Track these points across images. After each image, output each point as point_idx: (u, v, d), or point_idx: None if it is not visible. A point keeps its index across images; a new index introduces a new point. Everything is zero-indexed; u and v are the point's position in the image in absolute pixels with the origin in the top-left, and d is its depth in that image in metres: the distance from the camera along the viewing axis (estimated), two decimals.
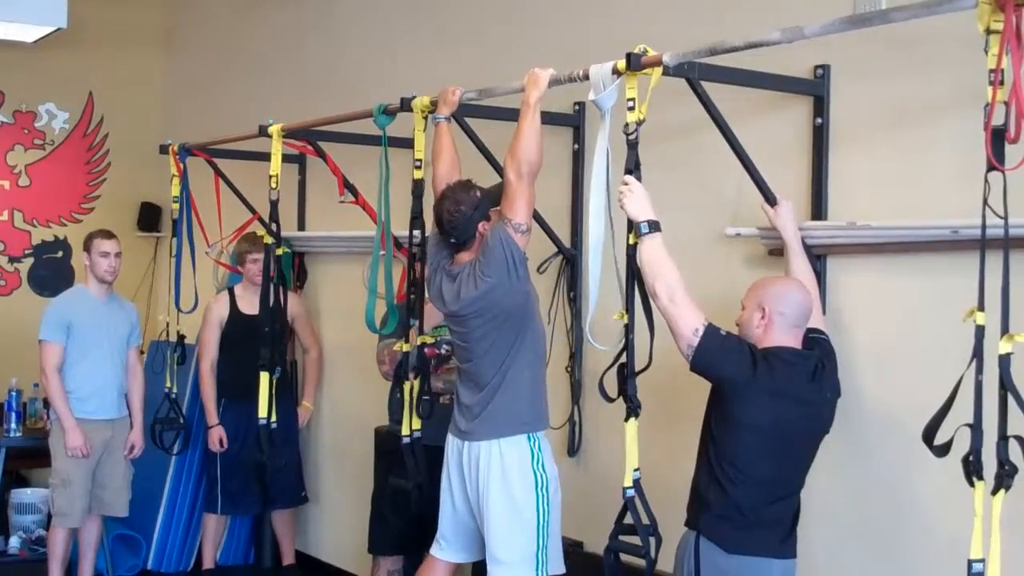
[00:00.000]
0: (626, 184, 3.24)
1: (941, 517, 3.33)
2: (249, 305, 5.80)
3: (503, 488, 3.76)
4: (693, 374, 3.24)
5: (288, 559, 6.24)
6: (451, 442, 3.93)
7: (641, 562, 3.29)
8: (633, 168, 3.24)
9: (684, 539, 3.35)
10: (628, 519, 3.32)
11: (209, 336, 6.01)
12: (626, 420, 3.28)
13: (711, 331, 3.16)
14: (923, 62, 3.37)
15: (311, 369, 6.21)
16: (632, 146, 3.23)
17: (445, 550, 4.06)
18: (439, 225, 3.80)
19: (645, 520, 3.29)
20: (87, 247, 5.63)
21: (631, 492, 3.28)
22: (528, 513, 3.76)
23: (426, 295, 4.06)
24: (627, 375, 3.30)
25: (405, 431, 4.16)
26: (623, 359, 3.32)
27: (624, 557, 3.39)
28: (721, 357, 3.17)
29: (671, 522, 3.40)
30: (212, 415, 5.95)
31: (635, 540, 3.30)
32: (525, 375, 3.78)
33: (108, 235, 5.65)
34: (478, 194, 3.76)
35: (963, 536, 2.51)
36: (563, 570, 3.89)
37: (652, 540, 3.28)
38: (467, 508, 3.91)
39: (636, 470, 3.28)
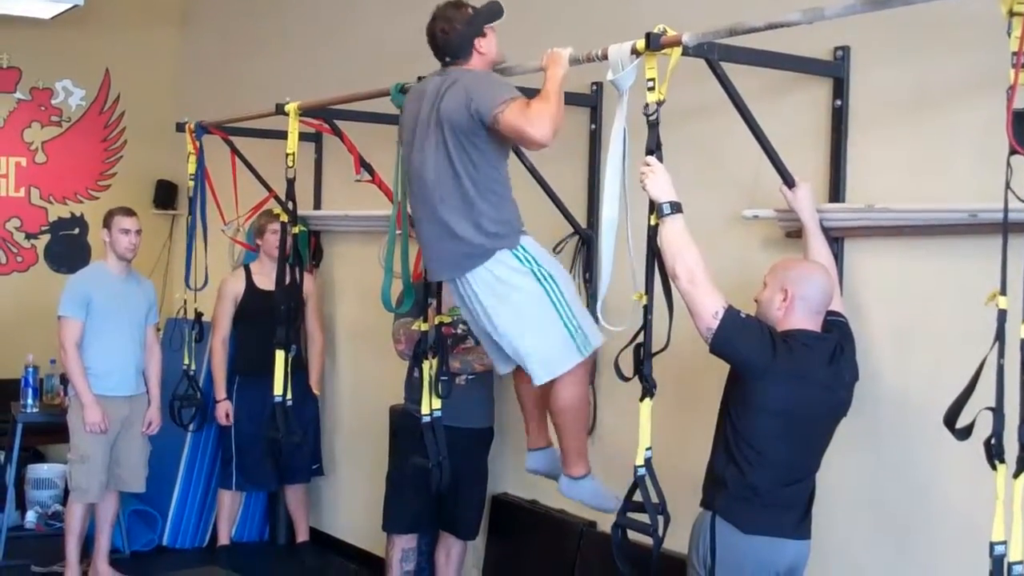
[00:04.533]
0: (648, 165, 3.22)
1: (957, 500, 3.34)
2: (266, 281, 5.82)
3: (507, 300, 3.63)
4: (709, 356, 3.24)
5: (302, 536, 6.28)
6: (452, 288, 3.81)
7: (649, 540, 3.30)
8: (655, 148, 3.23)
9: (699, 519, 3.36)
10: (637, 497, 3.32)
11: (222, 312, 6.05)
12: (641, 400, 3.28)
13: (731, 314, 3.15)
14: (944, 44, 3.36)
15: (315, 356, 6.18)
16: (653, 127, 3.22)
17: (502, 366, 3.96)
18: (432, 44, 3.72)
19: (654, 499, 3.29)
20: (107, 224, 5.64)
21: (642, 471, 3.28)
22: (543, 306, 3.61)
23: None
24: (643, 355, 3.29)
25: (425, 410, 4.17)
26: (640, 339, 3.32)
27: (633, 536, 3.40)
28: (741, 340, 3.16)
29: (684, 502, 3.41)
30: (220, 390, 6.00)
31: (644, 518, 3.31)
32: (492, 193, 3.62)
33: (128, 212, 5.67)
34: (470, 11, 3.70)
35: (980, 519, 2.52)
36: (601, 341, 3.70)
37: (660, 519, 3.28)
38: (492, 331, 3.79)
39: (648, 449, 3.28)
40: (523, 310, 3.62)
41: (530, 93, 3.91)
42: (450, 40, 3.66)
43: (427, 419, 4.18)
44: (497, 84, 3.56)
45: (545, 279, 3.61)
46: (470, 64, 3.68)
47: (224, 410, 5.97)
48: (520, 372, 3.87)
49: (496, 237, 3.60)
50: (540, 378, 3.69)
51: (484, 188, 3.59)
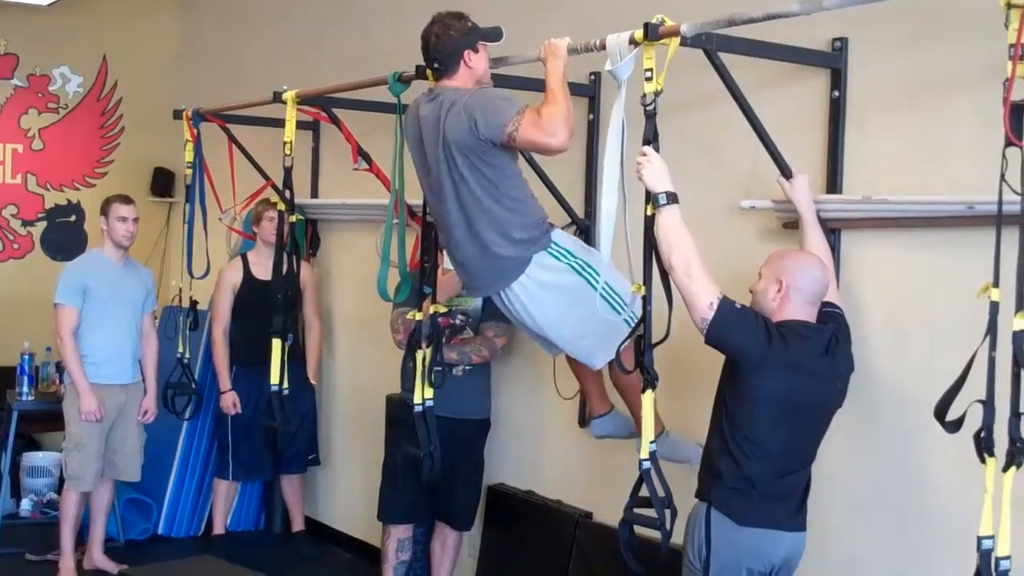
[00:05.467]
0: (644, 155, 3.21)
1: (952, 493, 3.33)
2: (263, 271, 5.81)
3: (552, 301, 3.70)
4: (707, 346, 3.24)
5: (298, 525, 6.29)
6: (495, 298, 3.87)
7: (653, 534, 3.27)
8: (652, 139, 3.22)
9: (695, 510, 3.35)
10: (642, 491, 3.30)
11: (222, 302, 6.05)
12: (643, 392, 3.26)
13: (726, 304, 3.15)
14: (942, 36, 3.35)
15: (313, 345, 6.19)
16: (650, 117, 3.21)
17: (548, 351, 4.06)
18: (424, 47, 3.72)
19: (661, 492, 3.26)
20: (104, 211, 5.63)
21: (647, 464, 3.25)
22: (589, 297, 3.60)
23: (440, 269, 4.03)
24: (644, 347, 3.28)
25: (417, 399, 4.16)
26: (640, 330, 3.31)
27: (637, 529, 3.39)
28: (735, 331, 3.16)
29: (684, 494, 3.40)
30: (225, 380, 6.00)
31: (648, 512, 3.29)
32: (512, 200, 3.65)
33: (126, 200, 5.66)
34: (470, 24, 3.71)
35: (974, 512, 2.51)
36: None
37: (667, 512, 3.26)
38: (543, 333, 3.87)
39: (652, 442, 3.26)
40: (570, 307, 3.69)
41: (525, 82, 3.91)
42: (442, 45, 3.67)
43: (419, 408, 4.17)
44: (498, 101, 3.55)
45: (583, 269, 3.67)
46: (456, 77, 3.69)
47: (231, 400, 5.98)
48: None
49: (528, 244, 3.65)
50: (598, 364, 3.82)
51: (505, 198, 3.63)
